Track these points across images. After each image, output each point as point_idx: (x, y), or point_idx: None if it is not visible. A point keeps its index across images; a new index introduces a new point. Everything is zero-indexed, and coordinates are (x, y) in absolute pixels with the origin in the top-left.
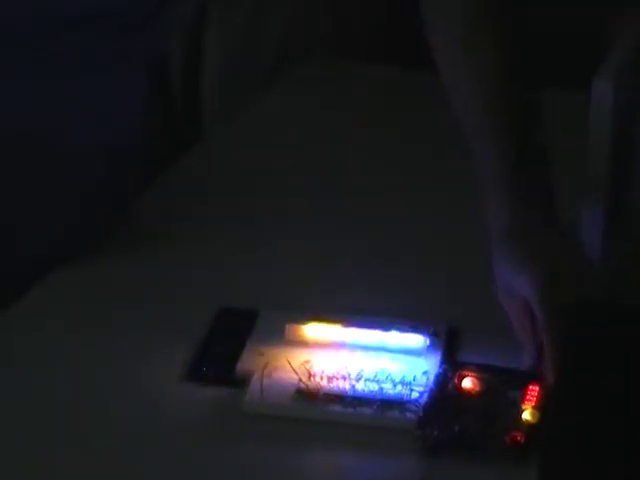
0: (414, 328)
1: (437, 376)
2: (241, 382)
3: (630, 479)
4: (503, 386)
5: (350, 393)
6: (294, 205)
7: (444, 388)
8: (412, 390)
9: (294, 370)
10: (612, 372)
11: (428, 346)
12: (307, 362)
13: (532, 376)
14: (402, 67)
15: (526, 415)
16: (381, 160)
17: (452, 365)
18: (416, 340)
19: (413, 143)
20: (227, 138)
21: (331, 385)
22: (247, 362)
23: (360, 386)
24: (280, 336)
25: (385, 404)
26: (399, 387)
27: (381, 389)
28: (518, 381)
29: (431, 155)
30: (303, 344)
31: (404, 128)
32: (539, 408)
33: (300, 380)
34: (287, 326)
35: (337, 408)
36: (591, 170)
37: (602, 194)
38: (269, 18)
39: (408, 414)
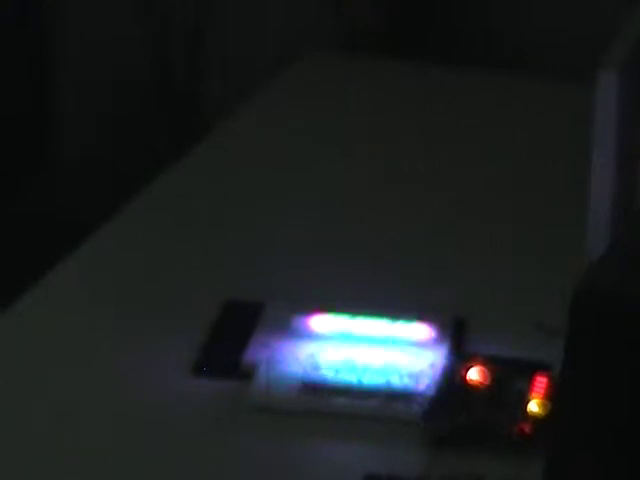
0: (421, 320)
1: (444, 368)
2: (247, 375)
3: (635, 472)
4: (510, 377)
5: (356, 385)
6: (299, 199)
7: (451, 380)
8: (418, 382)
9: (300, 362)
10: (614, 369)
11: (435, 338)
12: (313, 354)
13: (539, 366)
14: (403, 61)
15: (533, 406)
16: (385, 155)
17: (459, 357)
18: (423, 332)
19: (416, 138)
20: (229, 133)
21: (337, 377)
22: (253, 355)
23: (366, 378)
24: (286, 328)
25: (391, 396)
26: (405, 379)
27: (387, 381)
28: (525, 372)
29: (435, 150)
30: (309, 336)
31: (406, 123)
32: (547, 399)
33: (306, 372)
34: (293, 318)
35: (343, 400)
36: (596, 168)
37: (608, 193)
38: (271, 15)
39: (414, 406)
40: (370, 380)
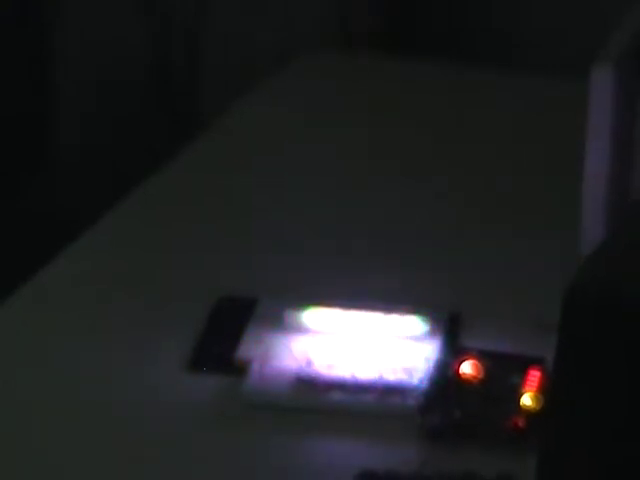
0: (415, 314)
1: (438, 362)
2: (240, 370)
3: (631, 467)
4: (504, 371)
5: (350, 380)
6: (292, 193)
7: (445, 374)
8: (413, 376)
9: (294, 357)
10: (607, 363)
11: (428, 332)
12: (307, 349)
13: (533, 360)
14: (403, 60)
15: (527, 400)
16: (384, 154)
17: (453, 351)
18: (417, 326)
19: (416, 137)
20: (226, 130)
21: (331, 372)
22: (246, 350)
23: (360, 373)
24: (279, 323)
25: (386, 391)
26: (400, 373)
27: (381, 376)
28: (519, 366)
29: (435, 148)
30: (303, 331)
31: (406, 122)
32: (540, 393)
33: (300, 367)
34: (286, 313)
35: (337, 395)
36: (590, 163)
37: (602, 188)
38: (271, 15)
39: (409, 400)
40: (364, 375)
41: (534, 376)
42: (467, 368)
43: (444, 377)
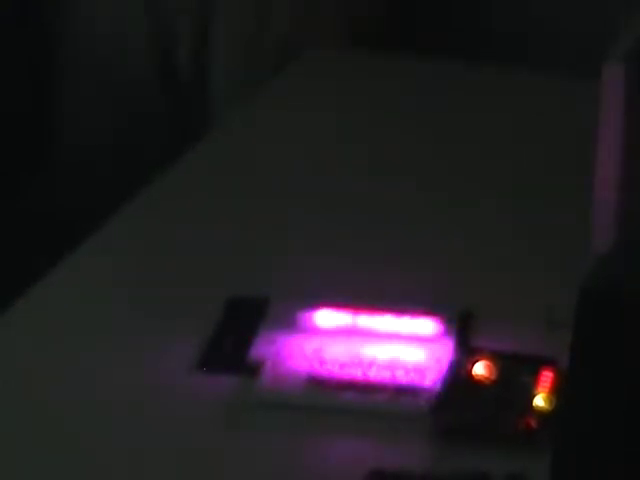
0: (427, 314)
1: (450, 362)
2: (253, 370)
3: None
4: (517, 371)
5: (362, 380)
6: (302, 195)
7: (457, 374)
8: (425, 377)
9: (306, 358)
10: (620, 365)
11: (441, 332)
12: (319, 349)
13: (545, 361)
14: (404, 58)
15: (539, 400)
16: (387, 152)
17: (465, 351)
18: (429, 326)
19: (418, 135)
20: (235, 127)
21: (343, 372)
22: (258, 350)
23: (373, 373)
24: (291, 324)
25: (397, 391)
26: (412, 374)
27: (394, 376)
28: (531, 366)
29: (438, 146)
30: (315, 331)
31: (407, 121)
32: (553, 393)
33: (312, 368)
34: (299, 313)
35: (349, 395)
36: (600, 162)
37: (612, 188)
38: (272, 13)
39: (421, 401)
40: (376, 375)
41: (546, 377)
42: (479, 369)
43: (456, 377)
